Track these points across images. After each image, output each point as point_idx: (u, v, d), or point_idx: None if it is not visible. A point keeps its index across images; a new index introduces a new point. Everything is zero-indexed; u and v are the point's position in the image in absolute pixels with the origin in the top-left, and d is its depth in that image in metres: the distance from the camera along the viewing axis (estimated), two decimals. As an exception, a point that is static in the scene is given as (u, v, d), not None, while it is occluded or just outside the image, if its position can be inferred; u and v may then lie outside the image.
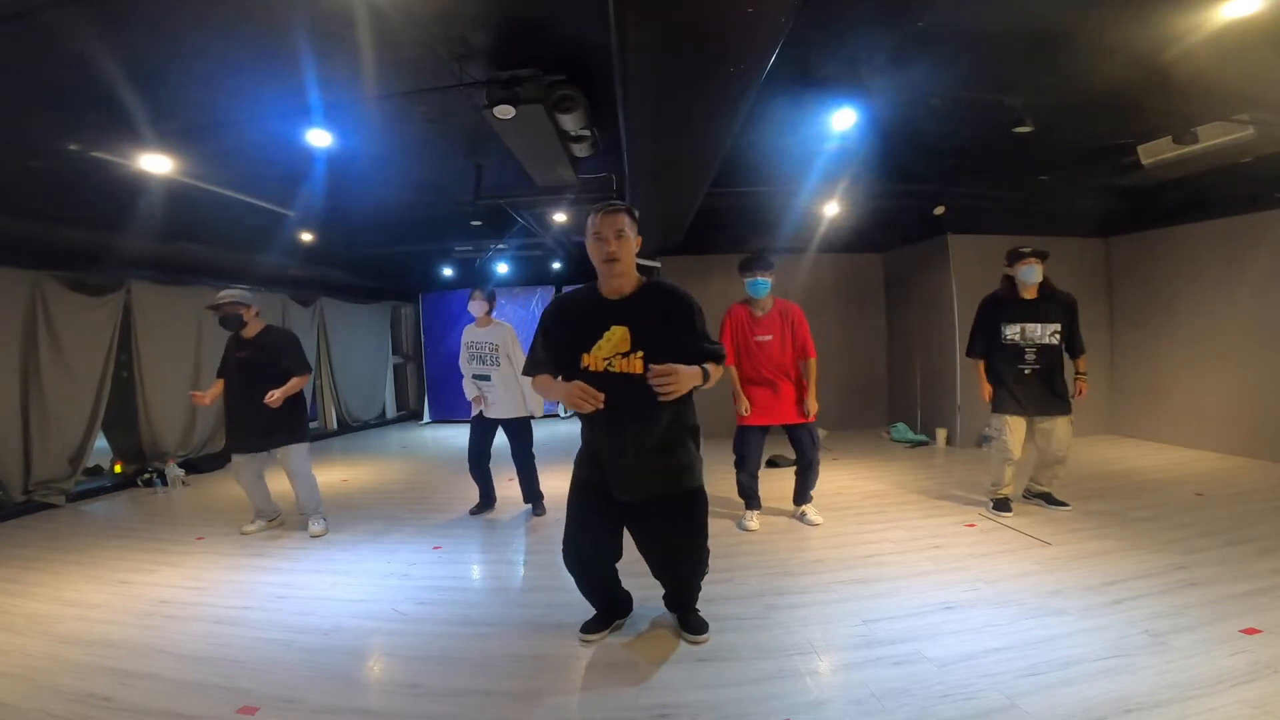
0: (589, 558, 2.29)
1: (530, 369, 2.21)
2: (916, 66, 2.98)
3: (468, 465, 4.15)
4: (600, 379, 2.03)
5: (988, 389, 3.79)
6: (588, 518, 2.24)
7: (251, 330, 3.76)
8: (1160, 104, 3.45)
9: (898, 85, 3.17)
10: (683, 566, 2.32)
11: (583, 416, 2.15)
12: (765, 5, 1.98)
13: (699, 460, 2.22)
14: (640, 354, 2.03)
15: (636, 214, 2.16)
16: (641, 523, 2.26)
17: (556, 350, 2.16)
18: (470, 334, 4.09)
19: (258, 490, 3.91)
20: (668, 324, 2.08)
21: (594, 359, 2.08)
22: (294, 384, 3.68)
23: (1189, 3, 2.47)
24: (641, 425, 2.06)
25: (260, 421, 3.66)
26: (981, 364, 3.83)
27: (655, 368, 1.89)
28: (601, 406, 1.93)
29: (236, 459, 3.83)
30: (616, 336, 2.06)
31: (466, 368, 4.09)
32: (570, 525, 2.27)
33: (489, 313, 4.07)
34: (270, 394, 3.55)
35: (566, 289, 2.27)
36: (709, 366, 2.04)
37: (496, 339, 3.99)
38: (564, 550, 2.29)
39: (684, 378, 1.91)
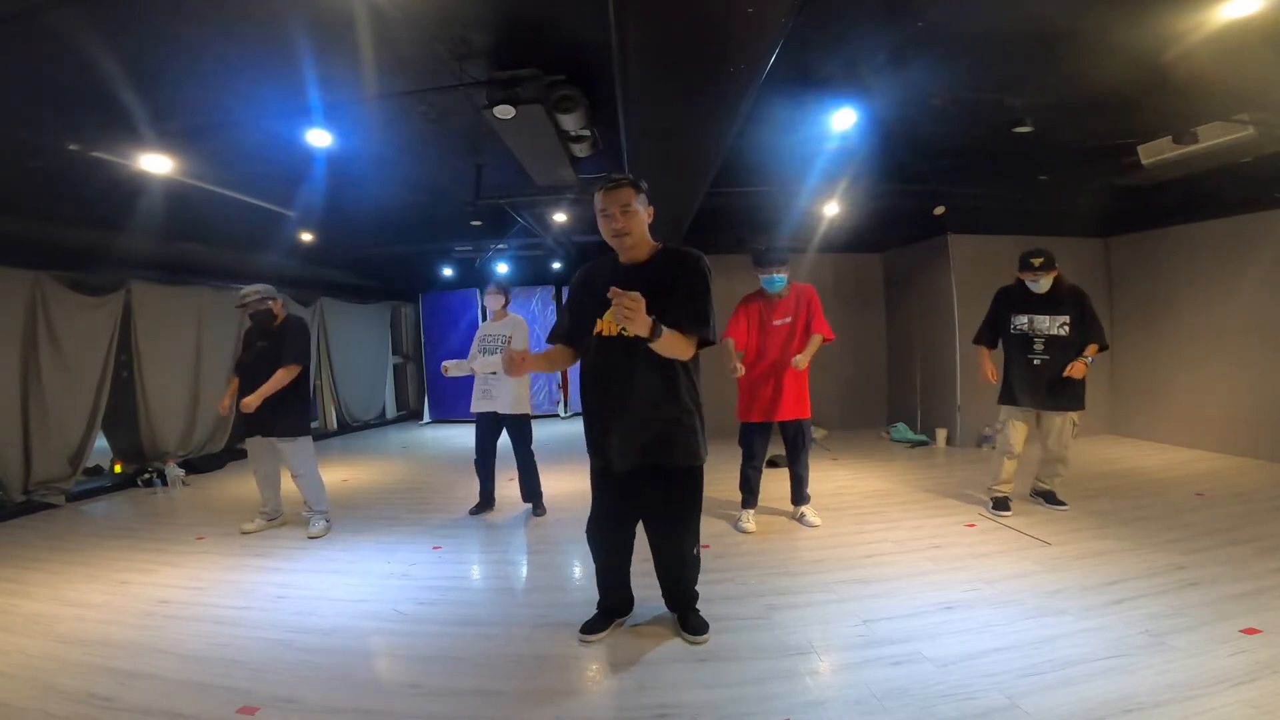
0: (607, 544, 2.39)
1: (549, 336, 2.33)
2: (916, 66, 2.97)
3: (474, 460, 4.19)
4: (613, 343, 2.12)
5: (990, 369, 3.84)
6: (604, 504, 2.34)
7: (277, 321, 3.83)
8: (1160, 104, 3.45)
9: (898, 85, 3.16)
10: (671, 544, 2.31)
11: (587, 384, 2.22)
12: (765, 5, 1.98)
13: (701, 441, 2.20)
14: (652, 319, 2.03)
15: (644, 185, 2.16)
16: (642, 503, 2.29)
17: (579, 317, 2.24)
18: (486, 328, 4.16)
19: (270, 484, 3.93)
20: (676, 285, 2.08)
21: (607, 324, 2.14)
22: (275, 380, 3.61)
23: (1189, 3, 2.46)
24: (646, 390, 2.12)
25: (265, 406, 3.68)
26: (986, 351, 3.88)
27: (618, 291, 1.79)
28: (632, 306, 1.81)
29: (251, 446, 3.87)
30: None
31: (472, 359, 4.12)
32: (592, 510, 2.39)
33: (505, 306, 4.15)
34: (245, 400, 3.57)
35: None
36: (672, 333, 1.94)
37: (508, 330, 4.06)
38: (588, 534, 2.42)
39: (640, 314, 1.81)
